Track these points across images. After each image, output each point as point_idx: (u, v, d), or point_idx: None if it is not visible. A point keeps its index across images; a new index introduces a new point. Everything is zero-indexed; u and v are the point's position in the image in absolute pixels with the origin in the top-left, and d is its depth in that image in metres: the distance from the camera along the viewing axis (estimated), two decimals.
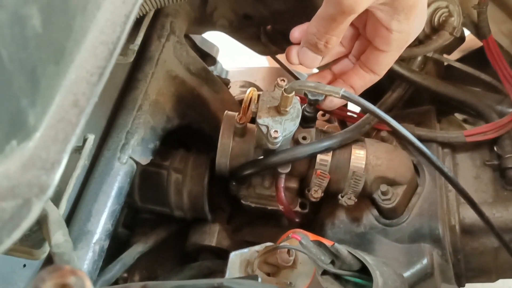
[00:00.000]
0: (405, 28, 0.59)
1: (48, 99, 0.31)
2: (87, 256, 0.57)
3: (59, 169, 0.30)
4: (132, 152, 0.65)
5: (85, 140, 0.50)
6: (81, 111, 0.31)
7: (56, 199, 0.47)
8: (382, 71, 0.65)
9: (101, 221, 0.60)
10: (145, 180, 0.73)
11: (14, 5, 0.27)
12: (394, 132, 0.63)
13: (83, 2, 0.33)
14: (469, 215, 0.68)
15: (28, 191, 0.29)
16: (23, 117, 0.29)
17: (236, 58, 1.37)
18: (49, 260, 0.47)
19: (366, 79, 0.66)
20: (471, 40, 0.89)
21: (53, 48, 0.31)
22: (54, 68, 0.31)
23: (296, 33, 0.63)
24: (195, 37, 0.97)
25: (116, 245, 0.77)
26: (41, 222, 0.45)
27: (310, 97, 0.66)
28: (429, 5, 0.78)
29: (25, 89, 0.29)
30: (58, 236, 0.42)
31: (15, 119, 0.29)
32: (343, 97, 0.57)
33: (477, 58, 0.88)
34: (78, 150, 0.50)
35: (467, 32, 0.87)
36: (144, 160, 0.67)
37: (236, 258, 0.56)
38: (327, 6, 0.56)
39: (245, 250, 0.57)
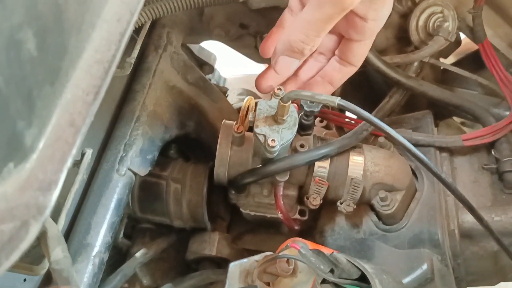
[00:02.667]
0: (379, 16, 0.59)
1: (44, 119, 0.31)
2: (87, 269, 0.57)
3: (56, 189, 0.30)
4: (130, 163, 0.65)
5: (83, 155, 0.50)
6: (77, 131, 0.32)
7: (55, 215, 0.47)
8: (359, 62, 0.65)
9: (101, 234, 0.60)
10: (145, 191, 0.74)
11: (9, 30, 0.27)
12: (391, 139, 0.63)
13: (77, 23, 0.34)
14: (468, 219, 0.68)
15: (25, 212, 0.29)
16: (20, 139, 0.30)
17: (233, 66, 1.37)
18: (49, 275, 0.47)
19: (344, 72, 0.66)
20: (467, 43, 0.89)
21: (49, 69, 0.31)
22: (50, 88, 0.31)
23: (272, 48, 0.62)
24: (193, 46, 0.98)
25: (116, 255, 0.77)
26: (40, 238, 0.45)
27: (306, 108, 0.66)
28: (424, 10, 0.79)
29: (21, 112, 0.29)
30: (57, 252, 0.43)
31: (12, 141, 0.29)
32: (339, 105, 0.57)
33: (473, 61, 0.88)
34: (76, 164, 0.50)
35: (463, 36, 0.87)
36: (143, 171, 0.67)
37: (235, 268, 0.56)
38: (323, 7, 0.55)
39: (245, 260, 0.57)
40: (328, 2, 0.54)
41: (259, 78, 0.65)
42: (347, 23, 0.61)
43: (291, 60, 0.60)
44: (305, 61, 0.68)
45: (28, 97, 0.30)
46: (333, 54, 0.67)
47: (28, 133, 0.30)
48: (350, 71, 0.66)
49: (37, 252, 0.47)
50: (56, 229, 0.45)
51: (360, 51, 0.64)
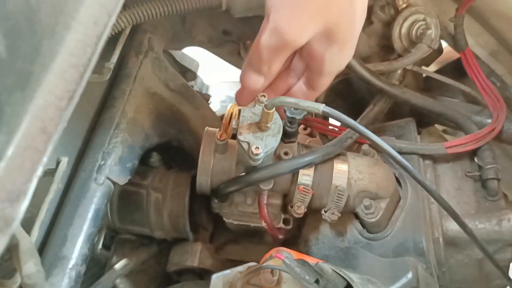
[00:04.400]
0: (337, 59, 0.61)
1: (13, 126, 0.29)
2: (62, 283, 0.55)
3: (25, 200, 0.28)
4: (109, 172, 0.63)
5: (58, 163, 0.48)
6: (49, 138, 0.30)
7: (27, 226, 0.45)
8: (320, 89, 0.68)
9: (77, 246, 0.57)
10: (124, 200, 0.72)
11: None
12: (375, 147, 0.63)
13: (51, 25, 0.32)
14: (452, 227, 0.67)
15: None
16: None
17: (217, 73, 1.36)
18: None
19: (307, 95, 0.68)
20: (448, 52, 0.90)
21: (19, 73, 0.29)
22: (19, 94, 0.30)
23: None
24: (175, 53, 0.96)
25: (95, 267, 0.74)
26: (12, 251, 0.43)
27: (288, 114, 0.66)
28: (406, 18, 0.79)
29: None
30: (30, 265, 0.40)
31: None
32: (323, 112, 0.57)
33: (455, 69, 0.89)
34: (51, 173, 0.48)
35: (444, 44, 0.88)
36: (122, 180, 0.65)
37: (218, 280, 0.54)
38: (270, 36, 0.56)
39: (228, 271, 0.55)
40: (274, 33, 0.56)
41: (237, 94, 0.66)
42: (309, 56, 0.62)
43: (257, 76, 0.62)
44: (279, 76, 0.68)
45: None
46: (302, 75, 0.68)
47: None
48: (313, 95, 0.68)
49: (8, 265, 0.45)
50: (29, 242, 0.43)
51: (320, 83, 0.66)
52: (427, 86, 0.91)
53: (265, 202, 0.67)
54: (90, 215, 0.60)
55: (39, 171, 0.29)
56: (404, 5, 0.80)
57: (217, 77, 1.34)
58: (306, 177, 0.67)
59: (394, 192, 0.69)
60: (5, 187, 0.28)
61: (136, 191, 0.72)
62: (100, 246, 0.77)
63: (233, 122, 0.64)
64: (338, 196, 0.66)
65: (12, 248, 0.43)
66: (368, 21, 0.83)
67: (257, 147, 0.60)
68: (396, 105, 0.82)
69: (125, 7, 0.64)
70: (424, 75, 0.89)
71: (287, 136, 0.69)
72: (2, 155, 0.29)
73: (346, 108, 0.98)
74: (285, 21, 0.55)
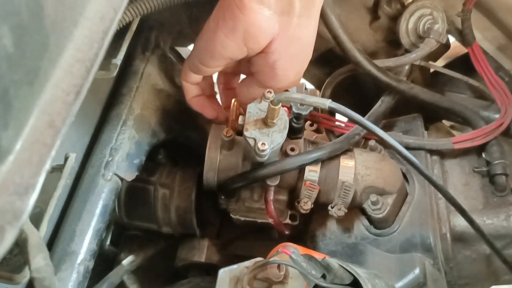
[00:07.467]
0: (277, 86, 0.63)
1: (21, 120, 0.30)
2: (71, 278, 0.55)
3: (33, 194, 0.29)
4: (116, 168, 0.64)
5: (66, 159, 0.49)
6: (56, 132, 0.30)
7: (36, 221, 0.46)
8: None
9: (86, 241, 0.58)
10: (132, 196, 0.72)
11: None
12: (382, 142, 0.63)
13: (59, 20, 0.32)
14: (460, 222, 0.67)
15: (1, 218, 0.27)
16: None
17: None
18: (31, 284, 0.45)
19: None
20: (456, 47, 0.90)
21: (27, 68, 0.30)
22: (27, 88, 0.30)
23: None
24: (181, 49, 0.97)
25: (103, 263, 0.75)
26: (21, 246, 0.43)
27: (294, 110, 0.66)
28: (413, 13, 0.79)
29: None
30: (39, 260, 0.41)
31: None
32: (330, 108, 0.57)
33: (462, 64, 0.88)
34: (59, 169, 0.48)
35: (451, 39, 0.87)
36: (130, 176, 0.66)
37: (225, 275, 0.55)
38: (193, 54, 0.64)
39: (234, 266, 0.55)
40: (204, 50, 0.62)
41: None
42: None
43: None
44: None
45: (4, 97, 0.28)
46: None
47: (4, 134, 0.29)
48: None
49: (18, 260, 0.45)
50: (38, 236, 0.43)
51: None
52: (434, 81, 0.90)
53: (271, 198, 0.67)
54: (98, 210, 0.60)
55: (47, 165, 0.30)
56: (410, 0, 0.79)
57: None
58: (312, 173, 0.67)
59: (401, 188, 0.69)
60: (13, 180, 0.29)
61: (144, 187, 0.72)
62: (108, 242, 0.77)
63: (239, 118, 0.64)
64: (344, 192, 0.66)
65: (21, 242, 0.43)
66: (375, 16, 0.83)
67: (263, 143, 0.60)
68: (403, 101, 0.82)
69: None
70: (431, 70, 0.88)
71: (293, 132, 0.69)
72: (11, 149, 0.29)
73: (353, 104, 0.97)
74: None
